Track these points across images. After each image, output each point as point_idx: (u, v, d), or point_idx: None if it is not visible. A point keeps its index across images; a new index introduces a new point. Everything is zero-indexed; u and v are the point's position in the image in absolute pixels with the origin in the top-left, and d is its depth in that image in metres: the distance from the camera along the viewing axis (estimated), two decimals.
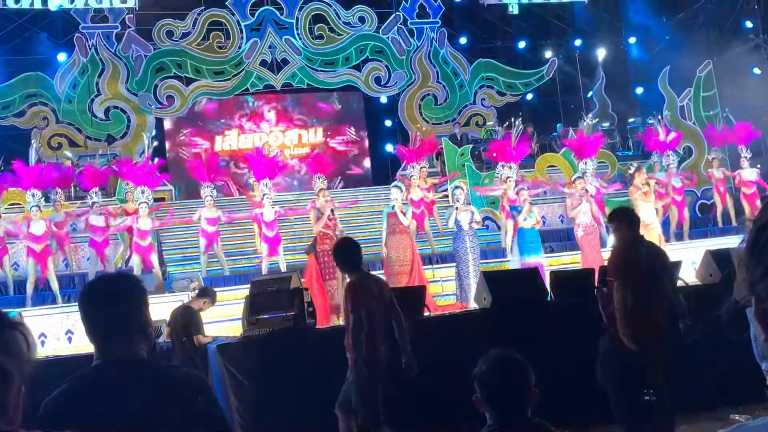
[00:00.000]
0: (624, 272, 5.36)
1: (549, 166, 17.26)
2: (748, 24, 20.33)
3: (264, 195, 13.23)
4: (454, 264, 12.06)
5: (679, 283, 7.91)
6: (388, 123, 21.59)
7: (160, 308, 9.81)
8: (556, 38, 22.02)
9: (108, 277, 2.58)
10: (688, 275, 8.53)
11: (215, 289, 9.06)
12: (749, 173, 15.22)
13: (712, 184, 15.85)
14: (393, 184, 12.62)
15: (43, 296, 12.68)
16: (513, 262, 12.16)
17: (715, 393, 6.91)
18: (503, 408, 2.67)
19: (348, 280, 5.97)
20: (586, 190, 13.13)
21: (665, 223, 14.89)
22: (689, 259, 10.12)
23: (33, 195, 13.16)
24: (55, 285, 12.47)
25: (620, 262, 5.48)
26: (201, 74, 19.12)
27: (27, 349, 1.68)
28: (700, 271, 8.29)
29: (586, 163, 14.57)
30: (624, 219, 5.73)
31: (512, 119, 16.21)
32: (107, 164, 16.42)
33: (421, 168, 15.11)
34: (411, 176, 14.51)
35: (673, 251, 12.04)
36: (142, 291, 2.38)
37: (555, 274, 8.42)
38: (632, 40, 21.78)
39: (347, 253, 5.90)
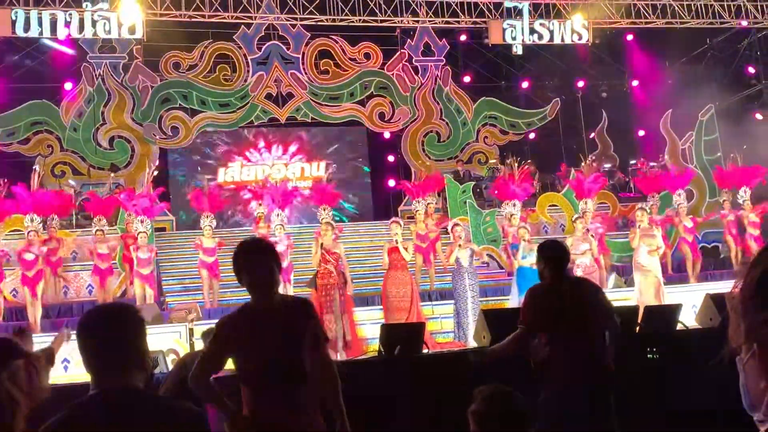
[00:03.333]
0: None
1: (550, 206, 17.30)
2: (751, 70, 20.52)
3: (276, 225, 13.30)
4: (453, 301, 12.04)
5: (679, 326, 7.93)
6: (390, 158, 21.68)
7: (158, 339, 9.79)
8: (560, 79, 22.21)
9: (106, 307, 2.58)
10: (688, 319, 8.51)
11: (209, 321, 9.02)
12: (752, 215, 15.18)
13: (720, 226, 15.79)
14: (392, 219, 12.66)
15: (52, 323, 12.59)
16: (512, 300, 12.14)
17: None
18: None
19: None
20: (588, 230, 13.17)
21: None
22: (690, 303, 10.09)
23: (32, 220, 13.20)
24: (35, 313, 12.30)
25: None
26: (206, 106, 19.26)
27: (37, 378, 1.67)
28: (699, 314, 8.27)
29: (586, 203, 14.62)
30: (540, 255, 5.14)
31: (513, 158, 16.29)
32: (110, 193, 16.49)
33: (428, 204, 15.16)
34: (416, 211, 14.57)
35: (674, 294, 12.05)
36: (140, 321, 2.38)
37: None
38: (635, 82, 21.96)
39: None
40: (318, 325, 3.75)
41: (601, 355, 4.80)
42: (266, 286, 3.62)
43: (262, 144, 20.79)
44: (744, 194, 15.33)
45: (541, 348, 4.78)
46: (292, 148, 20.89)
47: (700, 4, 19.44)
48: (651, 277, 12.04)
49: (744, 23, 19.73)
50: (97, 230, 13.77)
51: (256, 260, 3.62)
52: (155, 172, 16.19)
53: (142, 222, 13.41)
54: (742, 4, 19.57)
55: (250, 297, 3.69)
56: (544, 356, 4.76)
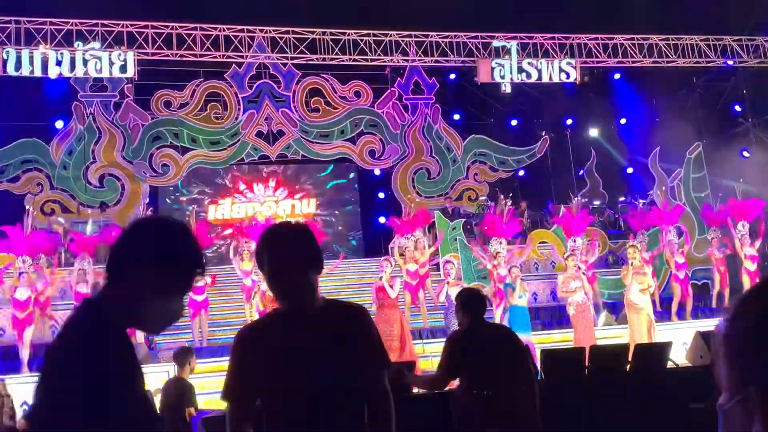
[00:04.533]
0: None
1: (541, 242, 17.33)
2: (737, 108, 20.75)
3: None
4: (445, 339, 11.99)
5: (669, 364, 7.90)
6: (381, 195, 21.74)
7: (146, 379, 9.66)
8: (548, 117, 22.40)
9: None
10: (679, 357, 8.49)
11: (198, 360, 8.94)
12: (750, 249, 15.17)
13: (710, 264, 15.80)
14: (384, 257, 12.65)
15: (39, 364, 12.47)
16: None
17: None
18: None
19: None
20: (579, 267, 13.19)
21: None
22: (680, 340, 10.09)
23: (23, 261, 13.14)
24: (24, 353, 12.23)
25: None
26: (197, 144, 19.32)
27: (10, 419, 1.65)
28: (690, 352, 8.25)
29: (575, 241, 14.67)
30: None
31: (502, 195, 16.34)
32: (97, 231, 16.42)
33: (417, 240, 15.17)
34: (406, 248, 14.59)
35: (665, 332, 12.04)
36: None
37: (546, 353, 8.35)
38: (623, 120, 22.18)
39: None
40: (376, 340, 2.74)
41: (519, 399, 4.88)
42: (298, 288, 2.62)
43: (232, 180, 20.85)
44: (742, 228, 15.36)
45: (459, 394, 4.88)
46: (273, 184, 20.93)
47: (686, 44, 19.73)
48: (643, 314, 12.03)
49: (730, 62, 20.02)
50: (79, 270, 13.61)
51: (283, 252, 2.62)
52: (149, 212, 16.16)
53: None
54: (727, 43, 19.87)
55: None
56: (461, 401, 4.84)
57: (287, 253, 2.60)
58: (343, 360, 2.56)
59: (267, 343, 2.57)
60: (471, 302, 5.18)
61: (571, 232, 15.26)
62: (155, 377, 10.50)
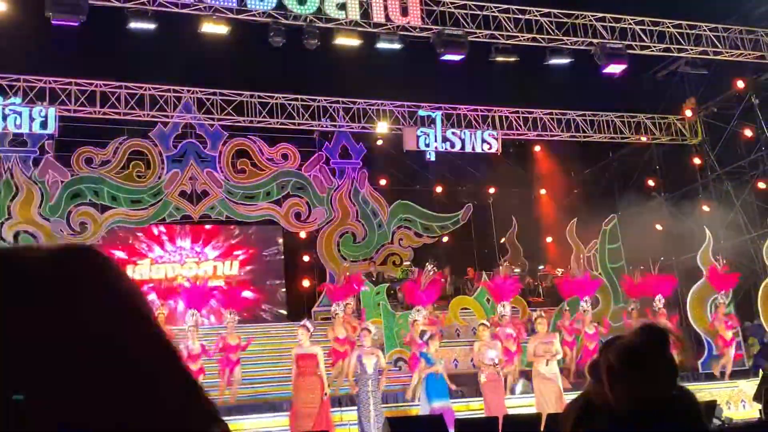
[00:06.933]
0: None
1: (462, 309, 17.48)
2: (651, 182, 21.60)
3: (189, 327, 12.90)
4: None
5: None
6: (305, 258, 21.65)
7: None
8: (472, 184, 22.84)
9: None
10: None
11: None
12: (665, 322, 15.56)
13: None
14: (301, 323, 12.51)
15: None
16: (422, 407, 12.07)
17: None
18: None
19: None
20: (496, 335, 13.33)
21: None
22: None
23: None
24: None
25: None
26: (117, 202, 18.98)
27: None
28: None
29: (504, 306, 14.81)
30: None
31: (427, 263, 16.45)
32: None
33: (347, 305, 15.13)
34: (335, 314, 14.51)
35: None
36: None
37: (460, 422, 8.41)
38: (542, 191, 22.80)
39: None
40: None
41: None
42: None
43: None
44: (659, 302, 15.78)
45: None
46: (204, 244, 20.67)
47: (602, 120, 20.54)
48: (551, 384, 12.14)
49: (643, 139, 20.89)
50: None
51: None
52: None
53: None
54: (641, 120, 20.77)
55: None
56: None
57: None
58: None
59: None
60: None
61: (500, 297, 15.40)
62: None
